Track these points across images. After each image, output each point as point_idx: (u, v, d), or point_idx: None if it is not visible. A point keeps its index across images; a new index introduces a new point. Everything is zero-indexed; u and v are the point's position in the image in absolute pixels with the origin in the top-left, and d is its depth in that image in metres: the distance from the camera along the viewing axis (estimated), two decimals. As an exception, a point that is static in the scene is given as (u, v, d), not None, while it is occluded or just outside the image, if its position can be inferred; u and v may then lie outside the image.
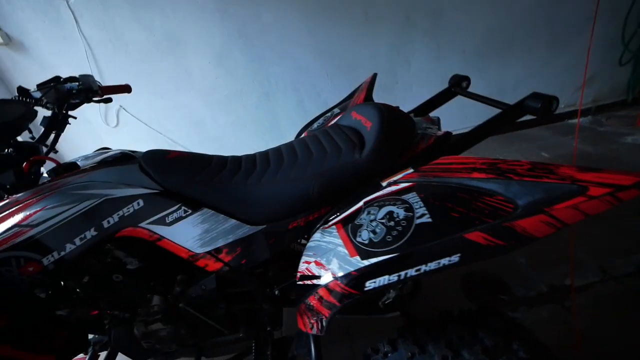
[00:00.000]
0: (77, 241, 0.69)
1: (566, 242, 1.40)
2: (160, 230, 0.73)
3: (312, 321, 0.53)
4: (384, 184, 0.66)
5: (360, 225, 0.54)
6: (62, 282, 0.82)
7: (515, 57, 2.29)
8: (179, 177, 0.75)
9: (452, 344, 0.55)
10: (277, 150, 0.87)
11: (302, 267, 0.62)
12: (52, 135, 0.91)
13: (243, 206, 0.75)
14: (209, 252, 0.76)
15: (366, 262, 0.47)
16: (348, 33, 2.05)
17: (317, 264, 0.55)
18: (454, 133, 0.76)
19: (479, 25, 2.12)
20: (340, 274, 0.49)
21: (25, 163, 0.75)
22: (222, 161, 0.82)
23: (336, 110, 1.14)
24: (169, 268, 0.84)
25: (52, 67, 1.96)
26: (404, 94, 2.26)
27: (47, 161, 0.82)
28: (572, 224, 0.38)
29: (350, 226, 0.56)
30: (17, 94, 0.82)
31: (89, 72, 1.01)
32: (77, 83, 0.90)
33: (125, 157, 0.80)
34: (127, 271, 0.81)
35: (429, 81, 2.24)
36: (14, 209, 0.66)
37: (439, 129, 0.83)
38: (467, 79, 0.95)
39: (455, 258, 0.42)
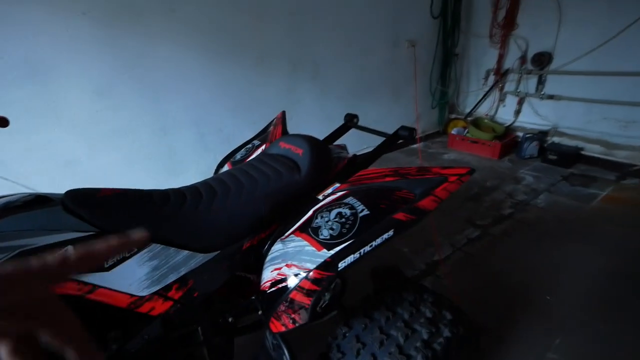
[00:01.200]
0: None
1: (430, 232, 1.93)
2: (94, 278, 0.66)
3: (294, 316, 0.63)
4: (321, 197, 0.85)
5: (319, 227, 0.69)
6: None
7: (371, 101, 3.08)
8: (121, 213, 0.70)
9: (389, 306, 0.76)
10: (218, 179, 0.92)
11: (271, 275, 0.71)
12: None
13: (196, 235, 0.77)
14: (156, 293, 0.73)
15: (333, 251, 0.62)
16: (243, 74, 2.23)
17: (289, 266, 0.66)
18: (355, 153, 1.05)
19: (344, 79, 2.79)
20: (315, 265, 0.62)
21: None
22: (163, 194, 0.81)
23: (256, 142, 1.27)
24: (99, 325, 0.74)
25: None
26: (298, 128, 2.60)
27: None
28: (444, 199, 0.66)
29: (309, 229, 0.70)
30: None
31: None
32: None
33: (40, 200, 0.68)
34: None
35: (317, 116, 2.68)
36: None
37: (347, 152, 1.10)
38: (356, 116, 1.28)
39: (390, 232, 0.63)
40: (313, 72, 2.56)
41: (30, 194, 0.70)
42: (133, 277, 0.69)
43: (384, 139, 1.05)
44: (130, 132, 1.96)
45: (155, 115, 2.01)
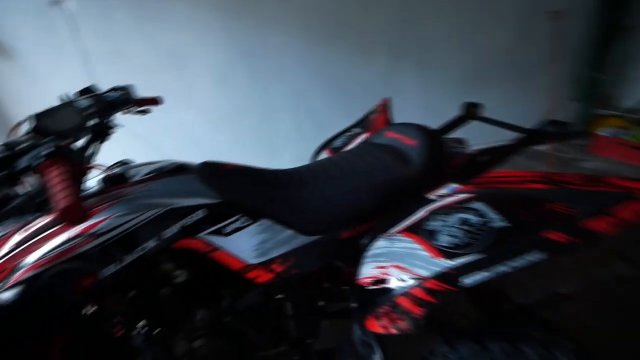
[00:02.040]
0: (137, 252, 0.68)
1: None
2: (217, 240, 0.75)
3: (398, 321, 0.57)
4: (432, 197, 0.75)
5: (436, 231, 0.61)
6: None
7: (487, 91, 2.62)
8: (240, 187, 0.77)
9: (509, 339, 0.63)
10: (321, 165, 0.93)
11: (373, 272, 0.67)
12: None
13: (301, 216, 0.79)
14: (262, 263, 0.78)
15: (455, 262, 0.54)
16: (342, 61, 2.21)
17: (398, 267, 0.60)
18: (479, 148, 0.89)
19: (453, 64, 2.43)
20: (430, 273, 0.55)
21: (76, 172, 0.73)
22: (274, 173, 0.86)
23: (357, 130, 1.23)
24: (215, 281, 0.84)
25: (41, 77, 1.85)
26: (395, 120, 2.47)
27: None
28: (631, 223, 0.49)
29: (422, 231, 0.63)
30: (62, 101, 0.80)
31: (84, 83, 0.97)
32: (119, 93, 0.90)
33: (180, 169, 0.81)
34: (174, 285, 0.79)
35: (418, 107, 2.47)
36: (79, 218, 0.64)
37: (466, 147, 0.95)
38: (478, 105, 1.10)
39: (539, 255, 0.50)
40: (417, 58, 2.34)
41: (174, 162, 0.83)
42: (245, 245, 0.76)
43: (514, 135, 0.88)
44: (239, 116, 2.19)
45: (260, 102, 2.19)
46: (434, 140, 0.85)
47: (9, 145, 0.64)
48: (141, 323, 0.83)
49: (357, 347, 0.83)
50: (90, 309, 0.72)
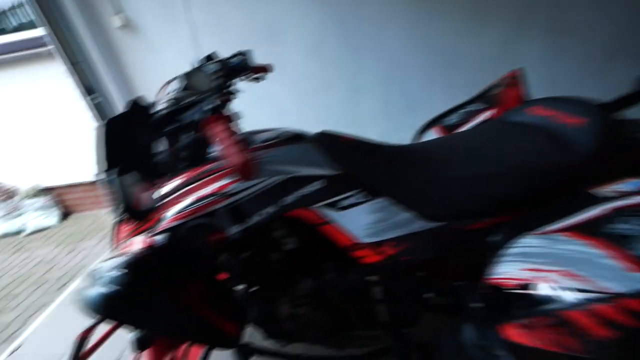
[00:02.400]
0: (259, 215, 0.68)
1: None
2: (330, 214, 0.72)
3: (569, 339, 0.46)
4: (599, 193, 0.58)
5: (632, 237, 0.46)
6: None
7: (635, 66, 2.03)
8: (361, 162, 0.72)
9: None
10: (444, 143, 0.82)
11: (520, 274, 0.55)
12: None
13: (424, 199, 0.71)
14: (372, 243, 0.73)
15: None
16: (448, 28, 1.93)
17: (570, 274, 0.48)
18: None
19: (599, 29, 1.89)
20: (629, 290, 0.42)
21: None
22: (392, 149, 0.79)
23: (476, 106, 1.06)
24: (321, 254, 0.83)
25: (157, 49, 2.07)
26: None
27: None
28: None
29: (607, 235, 0.49)
30: (192, 67, 0.84)
31: (191, 56, 1.00)
32: (240, 58, 0.91)
33: (297, 137, 0.79)
34: (283, 252, 0.80)
35: (542, 84, 2.04)
36: (213, 176, 0.67)
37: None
38: None
39: None
40: (545, 23, 1.89)
41: (291, 131, 0.82)
42: (359, 222, 0.71)
43: None
44: (328, 90, 2.14)
45: (350, 75, 2.09)
46: (609, 120, 0.65)
47: (178, 100, 0.68)
48: (249, 283, 0.88)
49: (468, 348, 0.74)
50: (215, 263, 0.78)
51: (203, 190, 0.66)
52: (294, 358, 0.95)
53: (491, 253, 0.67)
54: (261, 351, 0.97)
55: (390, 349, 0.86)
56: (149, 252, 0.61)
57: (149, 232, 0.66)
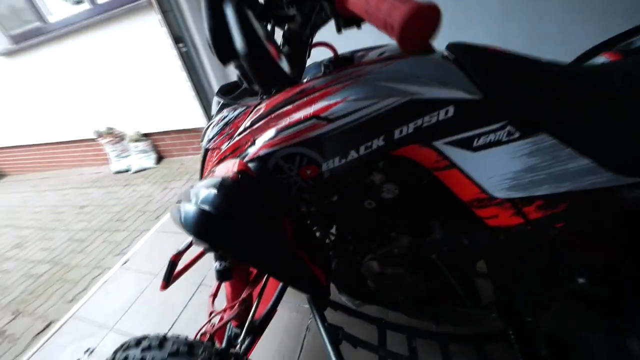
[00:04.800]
0: (362, 149, 0.54)
1: None
2: (457, 154, 0.53)
3: None
4: None
5: None
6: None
7: None
8: (514, 82, 0.51)
9: None
10: None
11: None
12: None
13: (612, 141, 0.47)
14: (511, 200, 0.53)
15: None
16: None
17: None
18: None
19: None
20: None
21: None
22: (560, 70, 0.55)
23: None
24: (429, 207, 0.67)
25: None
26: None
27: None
28: None
29: None
30: None
31: None
32: None
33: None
34: (380, 200, 0.66)
35: None
36: (312, 96, 0.55)
37: None
38: None
39: None
40: None
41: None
42: (497, 169, 0.52)
43: None
44: None
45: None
46: None
47: None
48: (339, 231, 0.78)
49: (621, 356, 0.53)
50: (302, 201, 0.70)
51: (300, 112, 0.54)
52: (375, 321, 0.85)
53: None
54: (338, 306, 0.90)
55: (503, 336, 0.69)
56: (243, 175, 0.53)
57: (241, 157, 0.59)
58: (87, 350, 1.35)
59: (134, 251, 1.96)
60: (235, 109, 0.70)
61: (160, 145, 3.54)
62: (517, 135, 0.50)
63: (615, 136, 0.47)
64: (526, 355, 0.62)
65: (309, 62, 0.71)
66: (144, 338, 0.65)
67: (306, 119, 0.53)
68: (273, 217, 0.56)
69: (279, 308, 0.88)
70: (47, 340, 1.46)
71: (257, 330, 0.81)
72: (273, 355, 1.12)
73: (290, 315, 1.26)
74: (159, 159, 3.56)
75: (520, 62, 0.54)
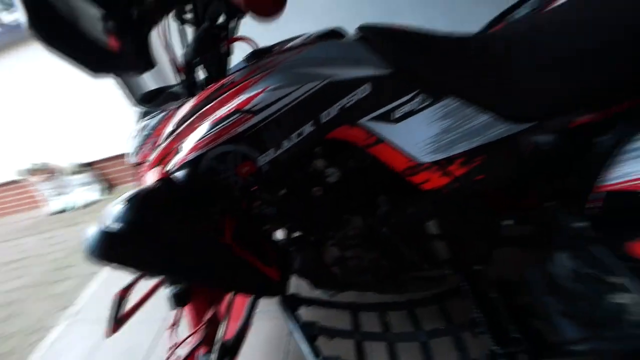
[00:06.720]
0: (294, 137, 0.55)
1: None
2: (382, 129, 0.57)
3: None
4: None
5: None
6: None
7: None
8: (417, 54, 0.55)
9: None
10: (530, 20, 0.62)
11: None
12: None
13: (505, 94, 0.54)
14: (437, 162, 0.58)
15: None
16: None
17: None
18: None
19: None
20: None
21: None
22: (458, 40, 0.61)
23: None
24: (372, 184, 0.70)
25: None
26: None
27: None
28: None
29: None
30: None
31: None
32: None
33: (333, 34, 0.63)
34: (326, 185, 0.68)
35: None
36: (232, 90, 0.54)
37: None
38: None
39: None
40: None
41: (326, 29, 0.66)
42: (419, 136, 0.56)
43: None
44: (358, 19, 1.81)
45: None
46: None
47: None
48: (290, 225, 0.78)
49: (565, 280, 0.60)
50: (247, 200, 0.68)
51: (223, 109, 0.54)
52: (347, 307, 0.86)
53: (600, 157, 0.51)
54: (309, 301, 0.90)
55: (459, 289, 0.74)
56: (163, 183, 0.51)
57: (165, 167, 0.56)
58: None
59: (85, 300, 1.76)
60: (155, 116, 0.67)
61: (108, 173, 3.24)
62: (428, 102, 0.55)
63: (503, 91, 0.53)
64: (480, 300, 0.68)
65: (234, 60, 0.70)
66: None
67: (230, 114, 0.53)
68: (205, 222, 0.55)
69: (256, 320, 0.85)
70: None
71: (231, 351, 0.76)
72: (258, 371, 1.07)
73: (271, 324, 1.21)
74: (110, 188, 3.26)
75: (422, 37, 0.59)
